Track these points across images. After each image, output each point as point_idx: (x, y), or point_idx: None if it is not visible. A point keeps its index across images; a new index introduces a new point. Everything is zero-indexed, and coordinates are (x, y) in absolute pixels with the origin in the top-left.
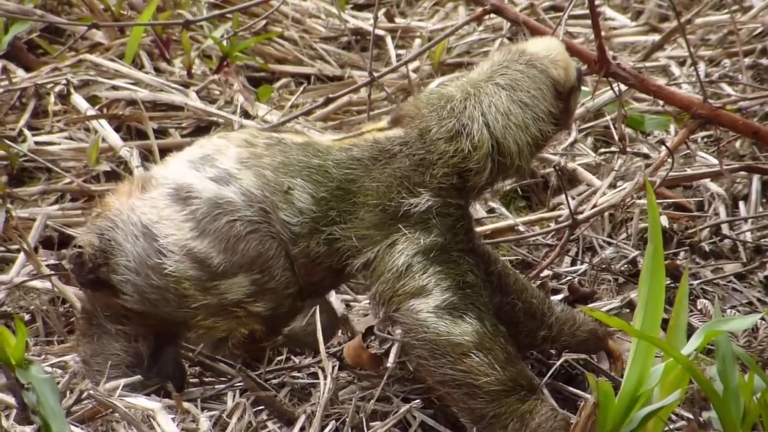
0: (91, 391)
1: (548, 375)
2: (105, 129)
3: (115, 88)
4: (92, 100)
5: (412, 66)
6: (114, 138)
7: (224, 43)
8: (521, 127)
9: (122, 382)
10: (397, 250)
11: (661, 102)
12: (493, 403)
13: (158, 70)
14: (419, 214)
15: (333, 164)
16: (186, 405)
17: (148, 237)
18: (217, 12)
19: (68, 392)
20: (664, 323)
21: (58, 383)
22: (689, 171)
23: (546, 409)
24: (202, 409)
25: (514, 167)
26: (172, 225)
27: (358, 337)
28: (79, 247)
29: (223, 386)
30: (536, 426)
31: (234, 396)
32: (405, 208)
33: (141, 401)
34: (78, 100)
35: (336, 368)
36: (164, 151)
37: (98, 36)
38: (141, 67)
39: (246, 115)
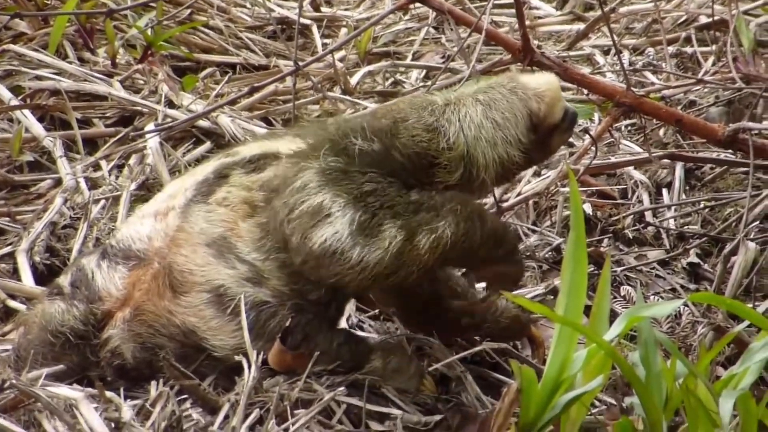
0: (14, 381)
1: (466, 356)
2: (28, 119)
3: (38, 78)
4: (16, 90)
5: (338, 55)
6: (37, 128)
7: (149, 32)
8: (490, 143)
9: (44, 371)
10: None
11: (585, 90)
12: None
13: (82, 60)
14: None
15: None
16: (109, 394)
17: (195, 338)
18: (141, 1)
19: None
20: (587, 309)
21: None
22: (613, 159)
23: None
24: (125, 398)
25: (480, 180)
26: (224, 334)
27: (277, 342)
28: (120, 355)
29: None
30: None
31: (157, 385)
32: (350, 147)
33: (63, 391)
34: (1, 90)
35: (260, 357)
36: (88, 141)
37: (22, 26)
38: (65, 57)
39: (170, 104)
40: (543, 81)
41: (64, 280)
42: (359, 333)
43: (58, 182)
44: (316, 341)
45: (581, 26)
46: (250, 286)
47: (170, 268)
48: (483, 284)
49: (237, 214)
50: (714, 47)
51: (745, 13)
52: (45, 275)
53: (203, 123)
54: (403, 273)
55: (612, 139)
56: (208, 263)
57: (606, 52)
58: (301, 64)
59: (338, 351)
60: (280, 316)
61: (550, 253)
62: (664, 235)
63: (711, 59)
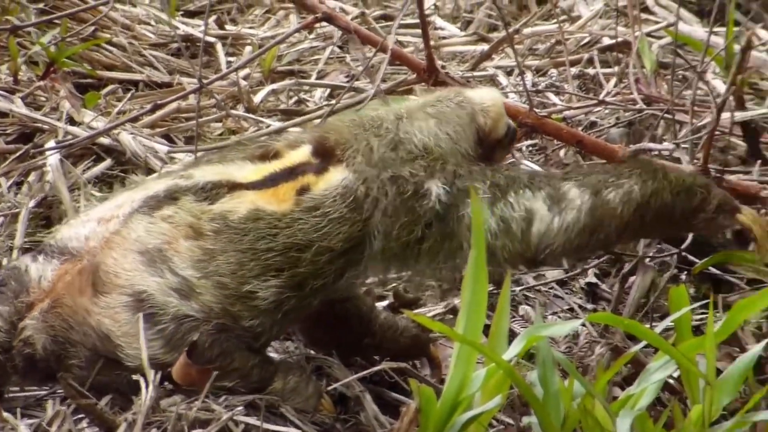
0: None
1: (366, 376)
2: None
3: None
4: None
5: (242, 73)
6: None
7: (52, 49)
8: (446, 153)
9: None
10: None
11: None
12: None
13: None
14: (448, 196)
15: (310, 233)
16: (5, 414)
17: (109, 345)
18: (45, 18)
19: None
20: (487, 329)
21: None
22: None
23: None
24: (22, 416)
25: None
26: (138, 342)
27: (183, 356)
28: (31, 345)
29: (44, 393)
30: None
31: (54, 404)
32: (435, 207)
33: None
34: None
35: (158, 376)
36: None
37: None
38: None
39: (72, 121)
40: (487, 96)
41: None
42: None
43: None
44: (233, 358)
45: (485, 47)
46: (175, 297)
47: (97, 266)
48: (385, 303)
49: (179, 232)
50: (616, 69)
51: (648, 35)
52: None
53: (104, 140)
54: (604, 230)
55: (513, 159)
56: (135, 269)
57: (509, 73)
58: (204, 81)
59: (250, 371)
60: (201, 331)
61: None
62: None
63: (613, 81)
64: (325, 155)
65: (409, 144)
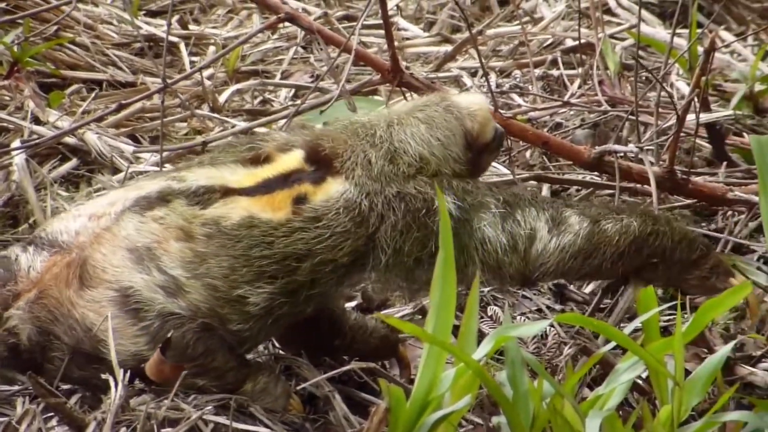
0: None
1: (335, 375)
2: None
3: None
4: None
5: (206, 73)
6: None
7: (15, 48)
8: (442, 161)
9: None
10: (488, 234)
11: None
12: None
13: None
14: (460, 211)
15: (311, 244)
16: None
17: (92, 340)
18: (7, 17)
19: None
20: (456, 329)
21: None
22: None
23: None
24: None
25: None
26: (124, 338)
27: (157, 353)
28: (16, 335)
29: (14, 390)
30: None
31: (24, 402)
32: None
33: None
34: None
35: (128, 375)
36: None
37: None
38: None
39: (37, 121)
40: (473, 101)
41: None
42: None
43: None
44: (215, 357)
45: (449, 48)
46: (161, 295)
47: (85, 260)
48: (354, 303)
49: (169, 233)
50: (580, 70)
51: (611, 36)
52: None
53: (70, 140)
54: (599, 256)
55: None
56: (123, 265)
57: (473, 74)
58: (169, 81)
59: (227, 372)
60: (186, 328)
61: None
62: None
63: (577, 82)
64: (320, 163)
65: (405, 155)
